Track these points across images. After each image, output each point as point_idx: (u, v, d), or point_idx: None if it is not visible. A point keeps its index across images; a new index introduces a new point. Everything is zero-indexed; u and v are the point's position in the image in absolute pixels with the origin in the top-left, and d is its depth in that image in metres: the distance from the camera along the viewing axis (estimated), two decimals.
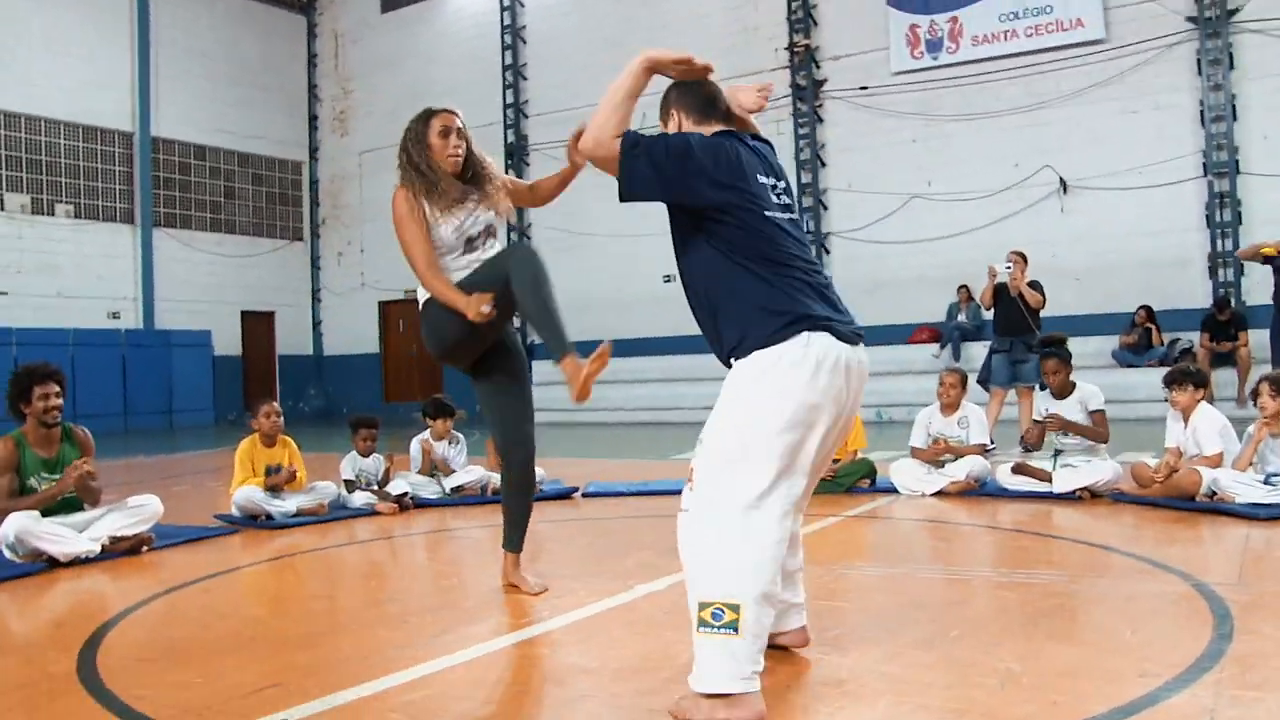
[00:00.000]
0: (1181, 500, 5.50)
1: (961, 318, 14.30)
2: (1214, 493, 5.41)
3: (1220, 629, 3.16)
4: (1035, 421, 6.51)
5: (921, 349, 14.39)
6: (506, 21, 19.03)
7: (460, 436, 7.30)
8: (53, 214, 17.60)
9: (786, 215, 2.80)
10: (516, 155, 18.77)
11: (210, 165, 20.12)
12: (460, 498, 6.88)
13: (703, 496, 2.60)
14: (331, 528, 6.06)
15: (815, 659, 3.06)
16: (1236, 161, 13.19)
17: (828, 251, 15.89)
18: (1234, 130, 13.20)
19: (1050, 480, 6.17)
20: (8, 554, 4.84)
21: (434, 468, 7.08)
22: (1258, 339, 11.81)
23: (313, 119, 21.88)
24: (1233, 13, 13.17)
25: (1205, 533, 5.00)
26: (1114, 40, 13.84)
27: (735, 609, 2.44)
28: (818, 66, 15.98)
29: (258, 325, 20.76)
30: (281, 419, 6.40)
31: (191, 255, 19.46)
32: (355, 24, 21.30)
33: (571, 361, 3.45)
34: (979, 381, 8.98)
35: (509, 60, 18.97)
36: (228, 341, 19.87)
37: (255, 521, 6.05)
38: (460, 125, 4.05)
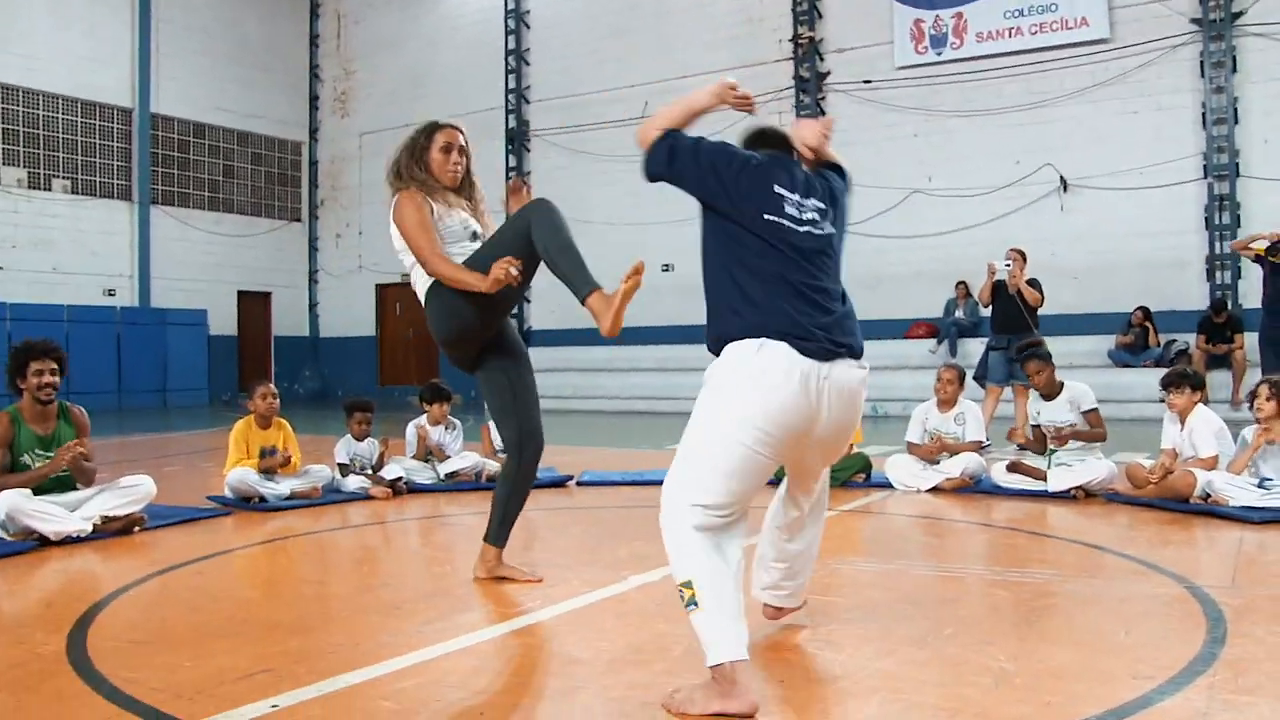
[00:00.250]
0: (1176, 502, 5.50)
1: (959, 314, 14.31)
2: (1208, 495, 5.42)
3: (1213, 632, 3.16)
4: (1034, 427, 6.49)
5: (918, 344, 14.40)
6: (510, 6, 18.93)
7: (456, 422, 7.28)
8: (49, 189, 17.52)
9: (804, 229, 2.84)
10: (517, 140, 18.71)
11: (209, 143, 20.03)
12: (455, 483, 6.87)
13: (666, 486, 2.75)
14: (325, 511, 6.05)
15: (809, 654, 3.06)
16: (1237, 164, 13.18)
17: None
18: (1235, 133, 13.19)
19: (1045, 479, 6.17)
20: None
21: (429, 453, 7.06)
22: (1253, 342, 11.82)
23: (313, 99, 21.79)
24: (1237, 16, 13.14)
25: (1199, 535, 5.01)
26: (1118, 40, 13.81)
27: (689, 585, 2.60)
28: (821, 59, 15.93)
29: (254, 305, 20.71)
30: (277, 401, 6.38)
31: (189, 234, 19.39)
32: (358, 4, 21.19)
33: (599, 296, 3.50)
34: (975, 378, 8.99)
35: (512, 45, 18.89)
36: (223, 321, 19.82)
37: (248, 504, 6.03)
38: (463, 143, 4.04)
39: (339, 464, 6.66)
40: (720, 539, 2.67)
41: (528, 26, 18.89)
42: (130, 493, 5.22)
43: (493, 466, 6.89)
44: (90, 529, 4.99)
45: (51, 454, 5.05)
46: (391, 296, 20.58)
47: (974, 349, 12.36)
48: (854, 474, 6.71)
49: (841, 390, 2.76)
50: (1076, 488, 6.02)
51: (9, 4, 16.84)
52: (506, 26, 18.95)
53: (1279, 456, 5.41)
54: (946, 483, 6.41)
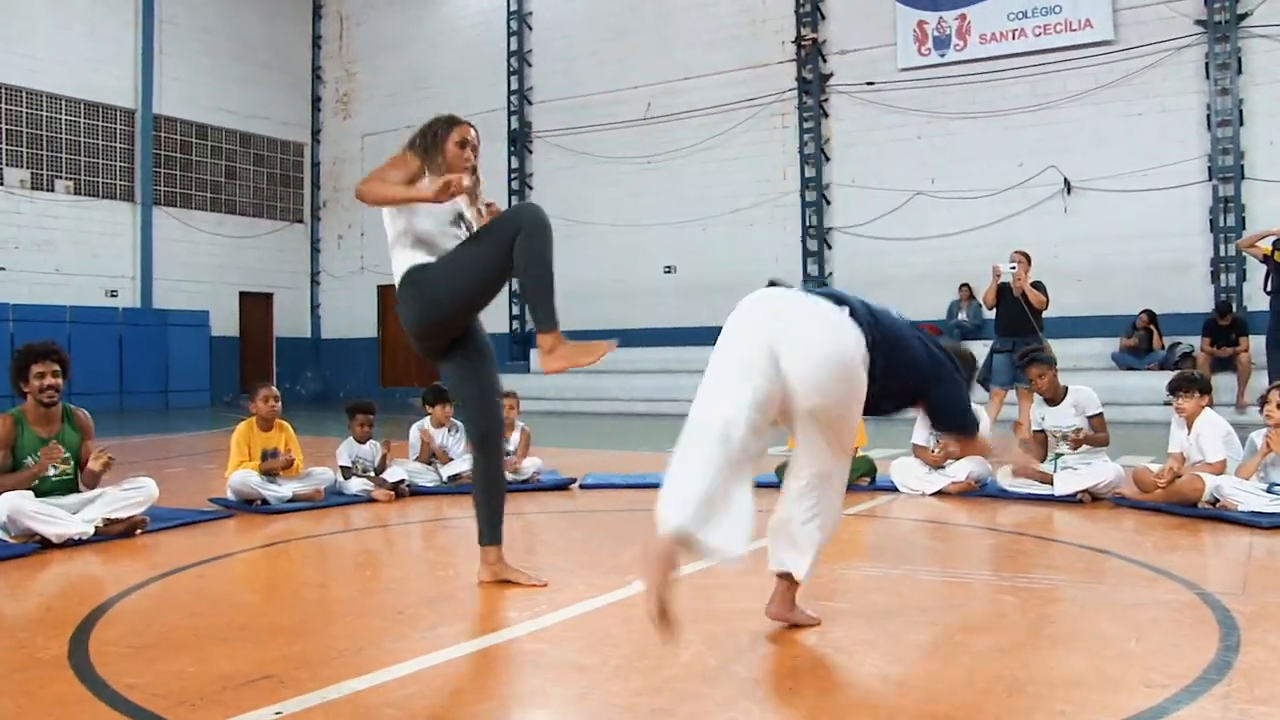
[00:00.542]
0: (1183, 506, 5.47)
1: (962, 316, 14.28)
2: (1216, 500, 5.38)
3: (1226, 640, 3.12)
4: (1038, 432, 6.45)
5: None
6: (512, 7, 18.93)
7: (460, 424, 7.24)
8: (52, 190, 17.51)
9: None
10: (519, 142, 18.69)
11: (212, 144, 20.03)
12: (458, 486, 6.83)
13: None
14: (327, 514, 6.02)
15: (817, 660, 3.03)
16: (1242, 166, 13.15)
17: (829, 246, 15.84)
18: (1240, 135, 13.16)
19: (1051, 482, 6.13)
20: None
21: (432, 455, 7.03)
22: (1258, 345, 11.78)
23: (316, 100, 21.79)
24: (1242, 17, 13.11)
25: (1207, 540, 4.97)
26: (1122, 42, 13.79)
27: None
28: (824, 60, 15.90)
29: (256, 307, 20.70)
30: (279, 404, 6.35)
31: (191, 235, 19.39)
32: (360, 6, 21.19)
33: (556, 337, 3.55)
34: (979, 381, 8.95)
35: (514, 46, 18.88)
36: (225, 322, 19.81)
37: (250, 506, 6.00)
38: (475, 142, 4.05)
39: (341, 466, 6.63)
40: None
41: (529, 28, 18.88)
42: (132, 495, 5.20)
43: None
44: (92, 531, 4.96)
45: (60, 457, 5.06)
46: (393, 298, 20.45)
47: (977, 352, 12.31)
48: (858, 477, 6.67)
49: (779, 302, 3.15)
50: (1083, 492, 5.98)
51: (10, 4, 16.84)
52: (508, 28, 18.94)
53: None
54: (952, 486, 6.37)
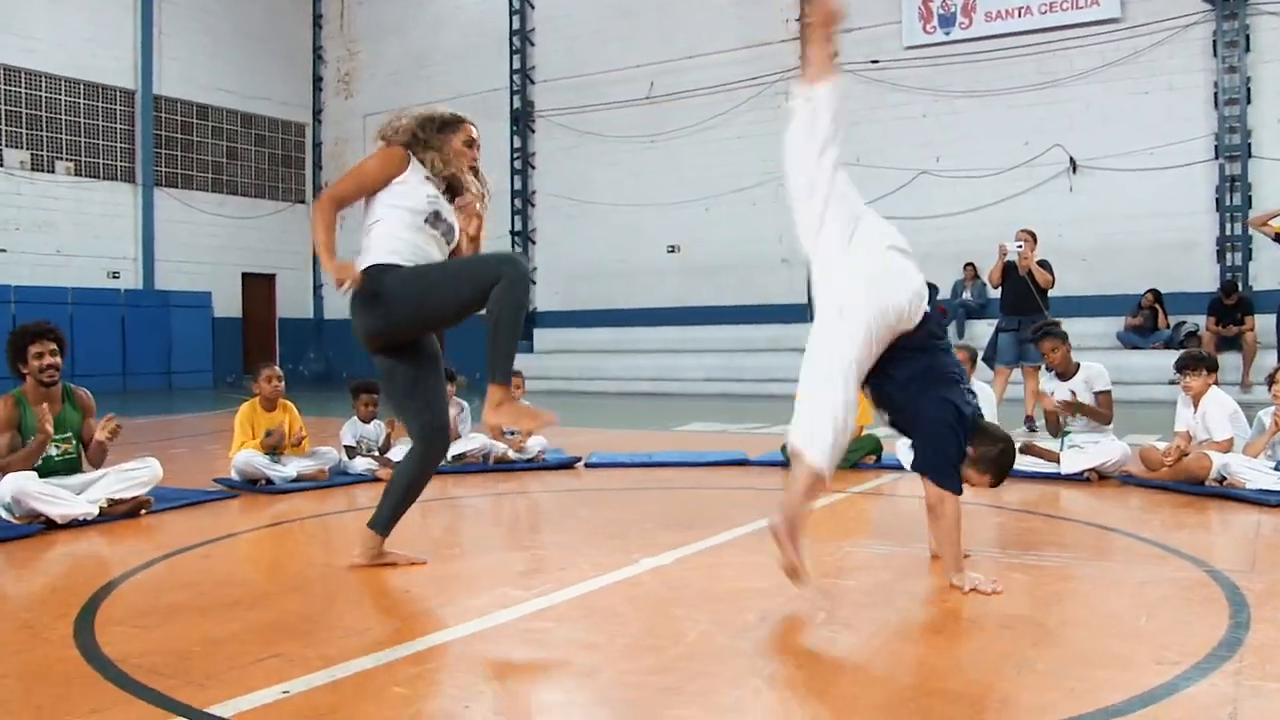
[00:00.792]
0: (1190, 484, 5.45)
1: (967, 295, 14.23)
2: (1224, 478, 5.36)
3: (1236, 617, 3.10)
4: (1064, 402, 6.36)
5: None
6: None
7: (463, 404, 7.23)
8: (53, 171, 17.46)
9: None
10: (522, 121, 18.60)
11: (213, 125, 19.95)
12: (462, 465, 6.82)
13: None
14: (331, 493, 6.01)
15: (826, 639, 3.02)
16: (1249, 145, 13.07)
17: None
18: (1247, 113, 13.07)
19: (1058, 461, 6.11)
20: (4, 514, 4.78)
21: None
22: (1264, 324, 11.75)
23: (317, 80, 21.68)
24: None
25: (1214, 518, 4.95)
26: (1129, 19, 13.67)
27: None
28: None
29: (258, 287, 20.66)
30: (282, 384, 6.33)
31: (192, 216, 19.33)
32: None
33: (508, 393, 3.58)
34: (984, 359, 8.93)
35: (516, 25, 18.76)
36: (228, 303, 19.77)
37: (255, 486, 5.99)
38: (479, 140, 4.04)
39: (345, 446, 6.62)
40: None
41: (532, 6, 18.75)
42: (137, 475, 5.18)
43: (501, 448, 6.85)
44: (97, 512, 4.95)
45: (59, 437, 5.04)
46: None
47: (981, 330, 12.30)
48: (864, 455, 6.66)
49: None
50: (1090, 470, 5.96)
51: None
52: (510, 6, 18.81)
53: None
54: None
